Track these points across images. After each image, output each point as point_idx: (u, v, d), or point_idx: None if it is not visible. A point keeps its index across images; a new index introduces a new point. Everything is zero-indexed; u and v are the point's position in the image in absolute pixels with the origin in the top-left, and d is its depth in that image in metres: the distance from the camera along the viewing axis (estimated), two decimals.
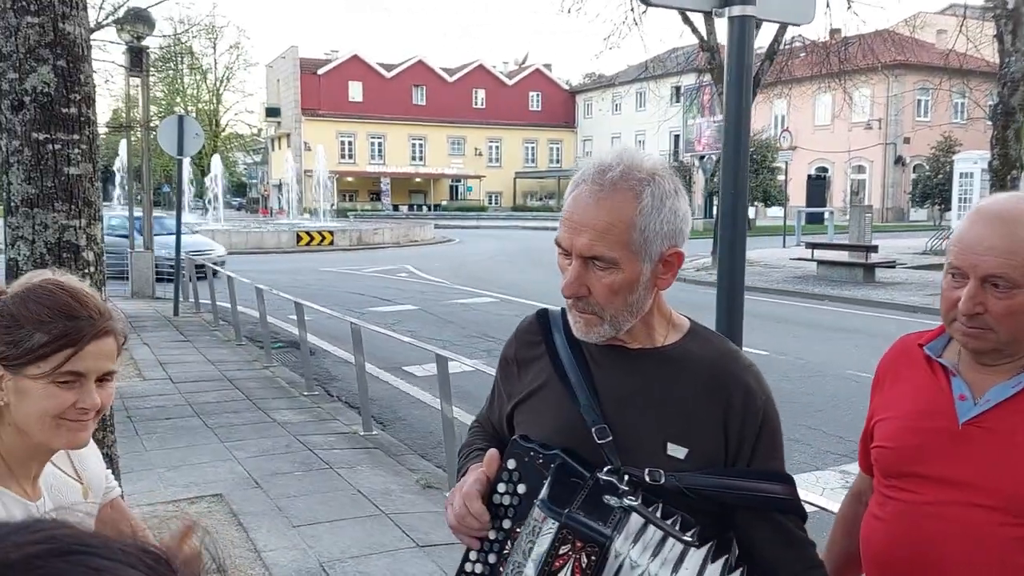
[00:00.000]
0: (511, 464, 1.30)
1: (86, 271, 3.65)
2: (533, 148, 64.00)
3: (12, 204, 3.54)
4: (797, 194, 41.59)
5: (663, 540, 1.20)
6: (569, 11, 32.82)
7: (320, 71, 57.48)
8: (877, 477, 1.57)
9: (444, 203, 60.08)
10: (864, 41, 22.34)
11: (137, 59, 14.45)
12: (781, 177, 36.04)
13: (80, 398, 1.31)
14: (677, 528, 1.23)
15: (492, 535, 1.31)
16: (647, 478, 1.27)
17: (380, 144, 59.05)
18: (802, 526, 1.38)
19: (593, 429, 1.31)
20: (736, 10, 2.41)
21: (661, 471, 1.28)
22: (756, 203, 40.25)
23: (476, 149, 61.84)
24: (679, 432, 1.32)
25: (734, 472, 1.32)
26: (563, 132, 64.41)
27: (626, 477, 1.26)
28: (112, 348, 1.36)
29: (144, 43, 14.77)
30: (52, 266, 3.56)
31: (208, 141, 60.38)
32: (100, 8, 13.33)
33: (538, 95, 64.03)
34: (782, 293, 16.43)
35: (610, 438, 1.30)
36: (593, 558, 1.16)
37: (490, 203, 61.33)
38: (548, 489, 1.23)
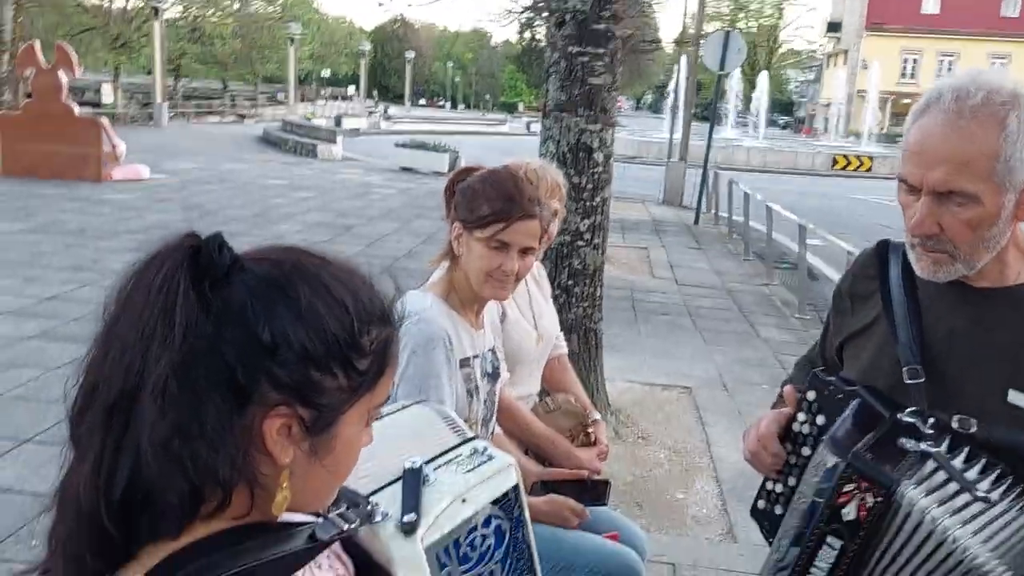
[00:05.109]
0: (811, 396, 1.31)
1: (594, 170, 4.25)
2: None
3: (547, 108, 4.26)
4: None
5: (957, 493, 1.11)
6: None
7: None
8: None
9: None
10: None
11: None
12: None
13: (504, 263, 1.71)
14: (988, 480, 1.12)
15: (792, 460, 1.34)
16: (955, 425, 1.17)
17: (950, 63, 52.14)
18: None
19: (904, 369, 1.23)
20: None
21: (972, 420, 1.16)
22: None
23: None
24: None
25: None
26: None
27: (930, 420, 1.18)
28: (536, 230, 1.73)
29: None
30: (570, 164, 4.24)
31: (763, 57, 60.64)
32: None
33: None
34: None
35: (922, 380, 1.22)
36: (879, 500, 1.13)
37: None
38: (840, 425, 1.22)
